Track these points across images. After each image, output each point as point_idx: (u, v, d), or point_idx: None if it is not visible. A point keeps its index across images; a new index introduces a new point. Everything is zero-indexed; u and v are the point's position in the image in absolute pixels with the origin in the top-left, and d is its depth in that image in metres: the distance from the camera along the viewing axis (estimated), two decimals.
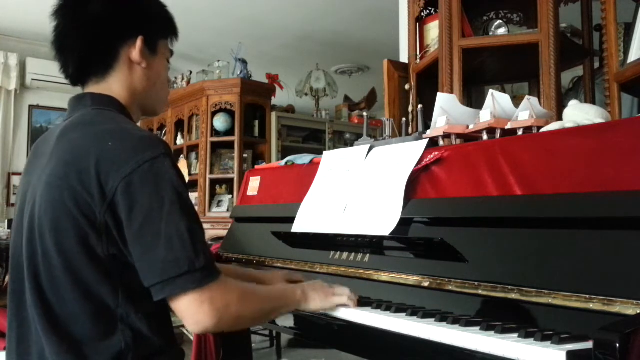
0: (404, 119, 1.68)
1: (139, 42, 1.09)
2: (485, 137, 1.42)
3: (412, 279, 1.20)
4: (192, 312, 0.91)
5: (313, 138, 5.26)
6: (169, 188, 0.93)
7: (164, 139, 4.78)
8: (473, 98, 2.39)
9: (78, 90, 1.13)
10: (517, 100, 1.47)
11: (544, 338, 0.85)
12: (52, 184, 0.95)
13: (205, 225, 0.99)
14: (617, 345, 0.68)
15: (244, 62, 4.42)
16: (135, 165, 0.91)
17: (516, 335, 0.89)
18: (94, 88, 1.09)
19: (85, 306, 0.94)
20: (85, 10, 1.06)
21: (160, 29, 1.16)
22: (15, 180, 5.19)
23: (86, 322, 0.94)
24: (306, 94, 5.75)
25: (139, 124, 1.15)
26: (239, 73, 4.40)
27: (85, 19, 1.06)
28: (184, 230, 0.91)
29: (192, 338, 2.34)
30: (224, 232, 2.08)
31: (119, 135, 0.97)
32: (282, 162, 1.99)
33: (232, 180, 4.36)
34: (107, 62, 1.08)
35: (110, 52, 1.08)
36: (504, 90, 2.51)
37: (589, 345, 0.78)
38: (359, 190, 1.48)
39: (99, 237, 0.92)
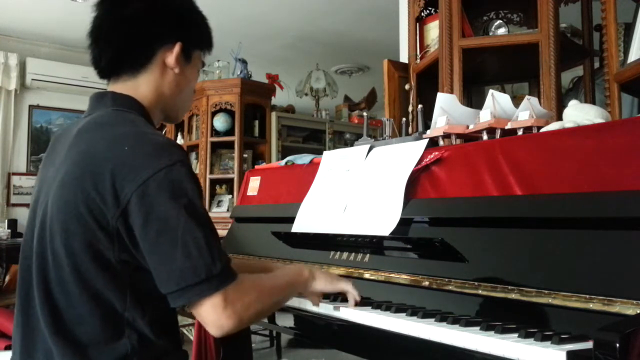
0: (404, 119, 1.68)
1: (177, 47, 1.08)
2: (485, 137, 1.42)
3: (412, 279, 1.20)
4: (214, 318, 0.91)
5: (313, 138, 5.26)
6: (184, 196, 0.92)
7: None
8: (473, 98, 2.39)
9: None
10: (517, 100, 1.47)
11: (544, 338, 0.85)
12: (66, 185, 0.95)
13: None
14: (617, 345, 0.68)
15: (244, 62, 4.42)
16: (152, 172, 0.91)
17: (516, 335, 0.89)
18: (119, 86, 1.08)
19: (92, 309, 0.93)
20: (129, 8, 1.05)
21: (198, 39, 1.16)
22: (15, 180, 5.18)
23: (93, 325, 0.94)
24: (306, 94, 5.75)
25: None
26: (239, 73, 4.40)
27: (128, 16, 1.05)
28: (200, 237, 0.91)
29: (192, 338, 2.34)
30: (224, 232, 2.08)
31: (136, 139, 0.96)
32: (282, 162, 1.99)
33: (232, 180, 4.35)
34: (141, 61, 1.07)
35: (147, 52, 1.07)
36: (504, 90, 2.51)
37: (589, 345, 0.78)
38: (359, 190, 1.47)
39: (110, 242, 0.92)
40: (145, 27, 1.06)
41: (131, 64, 1.07)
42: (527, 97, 1.39)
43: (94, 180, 0.92)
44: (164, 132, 5.03)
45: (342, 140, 5.39)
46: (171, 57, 1.08)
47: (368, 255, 1.34)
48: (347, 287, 1.20)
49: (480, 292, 1.05)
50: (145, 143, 0.95)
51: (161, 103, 1.11)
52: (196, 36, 1.15)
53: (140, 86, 1.08)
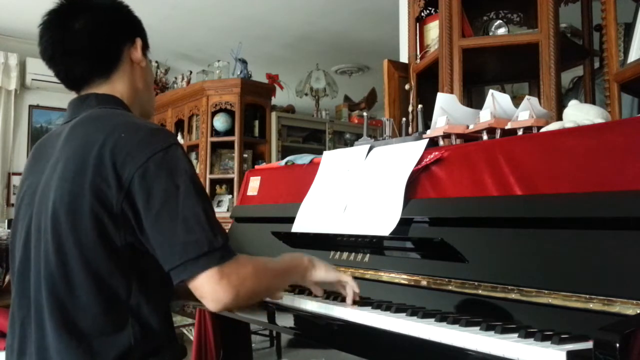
0: (404, 119, 1.68)
1: (138, 42, 1.16)
2: (485, 137, 1.42)
3: (412, 279, 1.20)
4: (211, 290, 0.95)
5: (313, 138, 5.25)
6: (183, 174, 0.97)
7: None
8: (473, 98, 2.39)
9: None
10: (517, 100, 1.47)
11: (544, 338, 0.85)
12: (67, 178, 0.98)
13: None
14: (617, 345, 0.68)
15: (244, 62, 4.42)
16: (150, 154, 0.95)
17: (516, 335, 0.89)
18: (96, 89, 1.12)
19: (97, 298, 0.96)
20: (83, 19, 1.09)
21: (145, 34, 1.21)
22: (15, 180, 5.17)
23: (97, 315, 0.96)
24: (306, 94, 5.74)
25: None
26: (239, 73, 4.40)
27: (91, 26, 1.10)
28: (201, 212, 0.95)
29: (192, 338, 2.34)
30: None
31: (129, 127, 1.00)
32: (282, 162, 1.99)
33: (232, 180, 4.36)
34: (114, 63, 1.13)
35: (117, 53, 1.13)
36: (504, 90, 2.51)
37: (589, 345, 0.77)
38: (359, 190, 1.47)
39: (116, 226, 0.95)
40: (110, 32, 1.12)
41: (106, 68, 1.12)
42: (527, 97, 1.39)
43: (95, 167, 0.95)
44: None
45: (342, 140, 5.39)
46: (137, 52, 1.16)
47: (368, 255, 1.34)
48: (346, 278, 1.21)
49: (480, 292, 1.05)
50: (140, 129, 1.00)
51: (137, 98, 1.18)
52: (144, 31, 1.21)
53: (116, 86, 1.13)
